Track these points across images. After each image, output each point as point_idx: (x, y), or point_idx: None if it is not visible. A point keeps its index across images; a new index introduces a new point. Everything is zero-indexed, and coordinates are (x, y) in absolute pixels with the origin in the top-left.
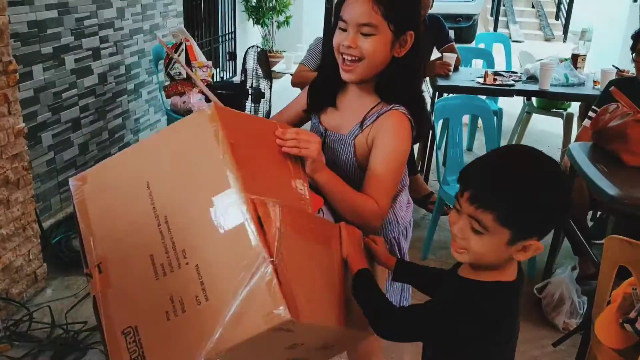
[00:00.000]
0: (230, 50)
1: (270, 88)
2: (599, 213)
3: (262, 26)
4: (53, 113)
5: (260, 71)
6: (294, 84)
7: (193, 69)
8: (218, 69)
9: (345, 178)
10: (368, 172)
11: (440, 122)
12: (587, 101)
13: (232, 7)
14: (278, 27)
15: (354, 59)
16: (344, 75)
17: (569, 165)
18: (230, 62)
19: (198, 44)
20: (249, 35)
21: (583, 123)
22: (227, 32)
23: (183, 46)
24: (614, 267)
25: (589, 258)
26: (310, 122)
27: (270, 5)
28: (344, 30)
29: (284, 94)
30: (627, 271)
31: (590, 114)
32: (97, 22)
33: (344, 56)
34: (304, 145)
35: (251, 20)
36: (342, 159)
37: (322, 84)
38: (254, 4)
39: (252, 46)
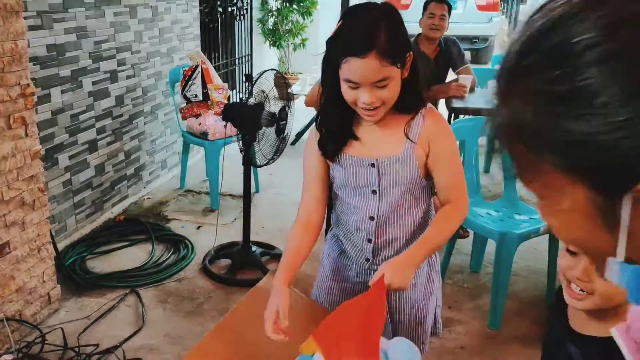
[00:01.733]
0: (247, 73)
1: (288, 109)
2: None
3: (278, 48)
4: (70, 135)
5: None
6: (307, 103)
7: (209, 91)
8: (235, 91)
9: (407, 192)
10: (442, 179)
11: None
12: None
13: (249, 30)
14: (294, 49)
15: (376, 107)
16: (369, 119)
17: None
18: (247, 84)
19: (215, 67)
20: (265, 58)
21: None
22: (243, 54)
23: (199, 69)
24: None
25: None
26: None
27: (287, 28)
28: (355, 87)
29: (298, 116)
30: None
31: None
32: (114, 45)
33: (364, 110)
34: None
35: (267, 42)
36: (406, 177)
37: (337, 127)
38: (270, 27)
39: (268, 70)
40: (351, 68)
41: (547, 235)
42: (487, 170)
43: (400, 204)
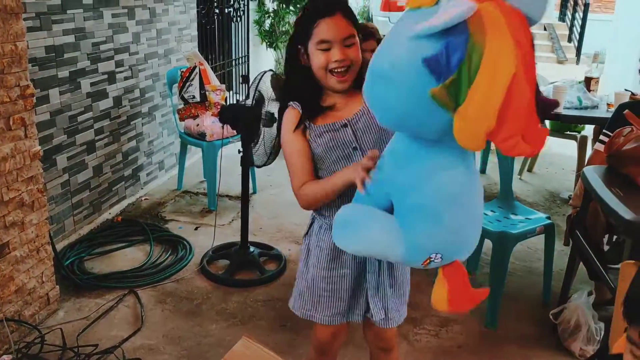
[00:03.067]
0: (244, 74)
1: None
2: (615, 237)
3: (274, 50)
4: (68, 136)
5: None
6: None
7: (207, 92)
8: (231, 92)
9: (384, 138)
10: None
11: None
12: (600, 124)
13: (245, 31)
14: None
15: (346, 68)
16: (340, 86)
17: (583, 189)
18: (243, 85)
19: (212, 67)
20: (262, 59)
21: (595, 147)
22: (240, 55)
23: (197, 70)
24: None
25: (604, 284)
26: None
27: (284, 29)
28: (327, 49)
29: None
30: None
31: (602, 137)
32: (112, 46)
33: (335, 70)
34: None
35: (264, 44)
36: (376, 125)
37: (312, 97)
38: (267, 28)
39: (265, 71)
40: (323, 28)
41: (543, 236)
42: (483, 171)
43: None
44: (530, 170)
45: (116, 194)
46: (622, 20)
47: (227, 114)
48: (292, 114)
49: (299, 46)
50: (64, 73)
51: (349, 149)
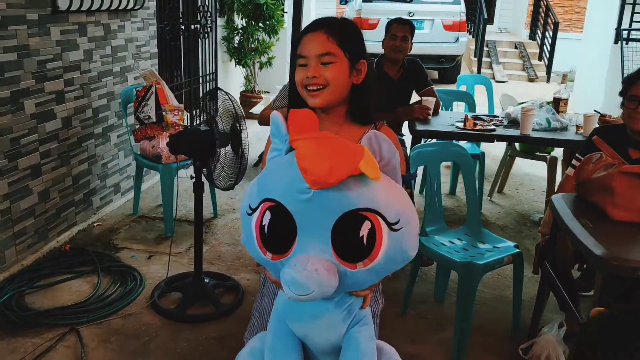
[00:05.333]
0: (213, 92)
1: (239, 125)
2: (585, 264)
3: (243, 67)
4: (9, 160)
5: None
6: (260, 123)
7: (163, 112)
8: (198, 110)
9: None
10: None
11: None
12: (570, 147)
13: (213, 48)
14: (260, 67)
15: (319, 87)
16: (311, 101)
17: (551, 218)
18: (211, 102)
19: (177, 85)
20: (231, 76)
21: (566, 172)
22: (208, 72)
23: (153, 89)
24: None
25: (573, 319)
26: None
27: (252, 46)
28: (305, 65)
29: (262, 135)
30: None
31: (574, 162)
32: (61, 64)
33: (308, 88)
34: None
35: (233, 60)
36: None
37: None
38: (235, 44)
39: (211, 90)
40: (303, 42)
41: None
42: (452, 192)
43: None
44: (500, 191)
45: (65, 220)
46: (590, 39)
47: (176, 145)
48: None
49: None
50: (4, 93)
51: None
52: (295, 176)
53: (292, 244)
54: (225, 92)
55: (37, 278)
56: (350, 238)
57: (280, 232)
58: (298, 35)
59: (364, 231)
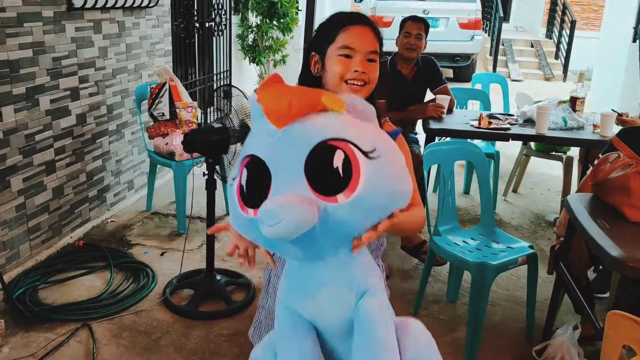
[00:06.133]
0: (226, 89)
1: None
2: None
3: (257, 65)
4: (24, 156)
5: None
6: None
7: (177, 109)
8: (212, 108)
9: None
10: None
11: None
12: (586, 146)
13: (227, 46)
14: (274, 65)
15: (363, 83)
16: (355, 94)
17: (567, 219)
18: (225, 100)
19: (191, 83)
20: (245, 74)
21: (588, 172)
22: (222, 70)
23: (167, 86)
24: (617, 347)
25: (590, 323)
26: None
27: (267, 44)
28: (349, 57)
29: None
30: None
31: (596, 163)
32: (76, 61)
33: (353, 82)
34: None
35: (247, 58)
36: None
37: None
38: (250, 42)
39: (220, 86)
40: (350, 34)
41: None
42: (466, 191)
43: None
44: (515, 190)
45: (79, 216)
46: (608, 38)
47: (191, 143)
48: None
49: (313, 52)
50: (19, 90)
51: None
52: (263, 123)
53: (269, 191)
54: (239, 89)
55: (51, 273)
56: (325, 170)
57: (257, 183)
58: (331, 21)
59: (338, 161)
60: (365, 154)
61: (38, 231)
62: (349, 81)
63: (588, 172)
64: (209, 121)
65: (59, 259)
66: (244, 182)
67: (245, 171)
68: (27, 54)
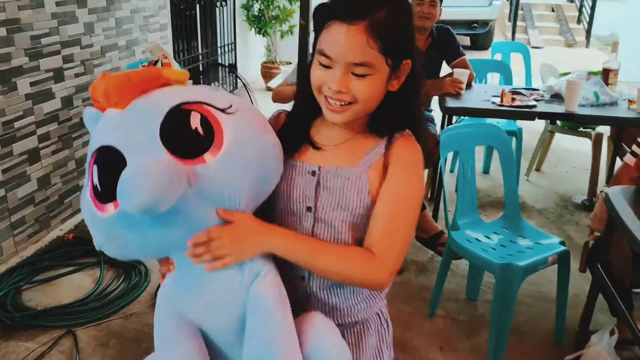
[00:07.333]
0: (231, 62)
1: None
2: None
3: (264, 36)
4: (3, 145)
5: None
6: (274, 100)
7: None
8: (216, 83)
9: (350, 221)
10: (377, 221)
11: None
12: (622, 125)
13: (231, 17)
14: (282, 36)
15: (343, 103)
16: (330, 116)
17: (605, 213)
18: (230, 75)
19: (194, 57)
20: (251, 46)
21: (625, 159)
22: (226, 43)
23: (160, 63)
24: None
25: (630, 330)
26: None
27: (273, 14)
28: (327, 67)
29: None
30: None
31: (635, 148)
32: (58, 39)
33: (329, 99)
34: (218, 252)
35: (253, 30)
36: (351, 200)
37: (298, 118)
38: (255, 12)
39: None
40: (329, 35)
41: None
42: (486, 171)
43: (339, 231)
44: (538, 169)
45: (69, 207)
46: (634, 0)
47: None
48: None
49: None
50: None
51: (302, 205)
52: (101, 120)
53: None
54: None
55: (36, 272)
56: (183, 134)
57: (111, 173)
58: (318, 11)
59: (195, 122)
60: (222, 110)
61: (22, 225)
62: (327, 97)
63: (625, 159)
64: None
65: (46, 254)
66: (96, 182)
67: (95, 168)
68: (1, 32)
